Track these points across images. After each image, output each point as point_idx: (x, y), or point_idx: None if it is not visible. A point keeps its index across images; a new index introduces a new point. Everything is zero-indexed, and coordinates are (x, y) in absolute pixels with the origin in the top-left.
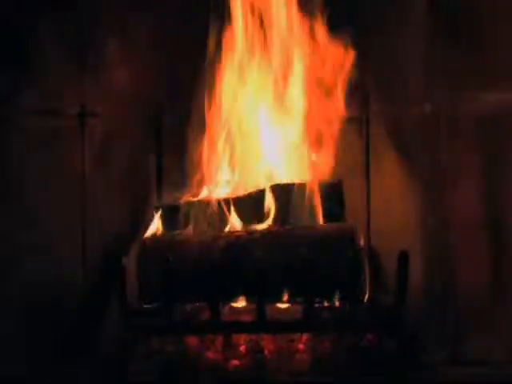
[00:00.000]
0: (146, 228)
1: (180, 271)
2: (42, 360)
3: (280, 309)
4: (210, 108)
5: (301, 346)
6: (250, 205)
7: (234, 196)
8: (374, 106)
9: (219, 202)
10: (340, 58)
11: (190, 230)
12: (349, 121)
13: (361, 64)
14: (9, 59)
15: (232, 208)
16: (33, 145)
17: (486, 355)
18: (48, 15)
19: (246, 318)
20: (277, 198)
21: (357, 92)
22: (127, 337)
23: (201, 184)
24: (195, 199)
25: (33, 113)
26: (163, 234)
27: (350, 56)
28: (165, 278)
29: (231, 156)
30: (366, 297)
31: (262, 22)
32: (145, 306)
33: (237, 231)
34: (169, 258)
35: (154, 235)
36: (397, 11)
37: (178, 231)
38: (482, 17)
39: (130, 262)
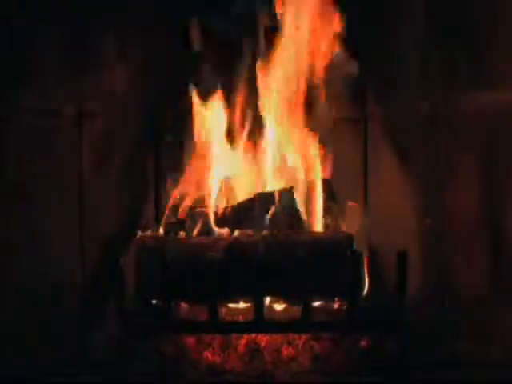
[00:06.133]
0: (144, 228)
1: (179, 271)
2: (41, 360)
3: (278, 309)
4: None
5: (300, 346)
6: (250, 209)
7: (233, 200)
8: (372, 106)
9: (219, 206)
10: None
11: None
12: (347, 121)
13: (360, 64)
14: (7, 59)
15: (232, 212)
16: (31, 144)
17: (485, 355)
18: (47, 15)
19: (244, 319)
20: (276, 203)
21: (355, 92)
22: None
23: (199, 185)
24: (194, 202)
25: (31, 113)
26: (162, 234)
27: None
28: (163, 278)
29: (230, 157)
30: (366, 297)
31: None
32: (143, 306)
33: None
34: (167, 257)
35: (153, 235)
36: (396, 11)
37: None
38: (480, 17)
39: (128, 261)
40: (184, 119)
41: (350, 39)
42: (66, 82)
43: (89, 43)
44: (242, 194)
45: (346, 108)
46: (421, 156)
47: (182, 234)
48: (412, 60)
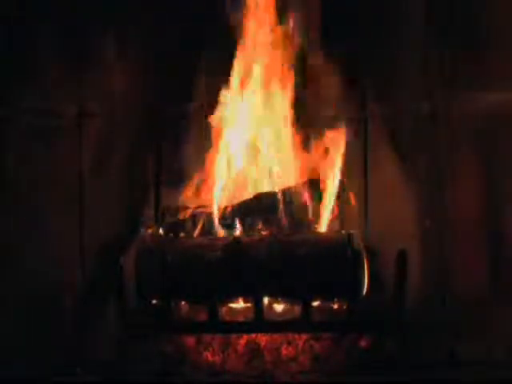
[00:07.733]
0: (145, 228)
1: (179, 271)
2: (42, 360)
3: (278, 309)
4: (209, 109)
5: (300, 346)
6: (251, 209)
7: (233, 200)
8: (372, 106)
9: (219, 206)
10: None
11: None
12: (347, 121)
13: (359, 64)
14: (7, 59)
15: (232, 212)
16: (31, 145)
17: (485, 355)
18: (47, 15)
19: (244, 318)
20: (276, 203)
21: (355, 92)
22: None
23: (199, 186)
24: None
25: (31, 113)
26: (163, 234)
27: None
28: (163, 278)
29: (230, 158)
30: (366, 297)
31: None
32: (143, 306)
33: (236, 234)
34: (167, 257)
35: (153, 235)
36: (396, 11)
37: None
38: (480, 17)
39: (128, 261)
40: (184, 119)
41: (349, 39)
42: (66, 82)
43: (89, 43)
44: (241, 194)
45: (346, 108)
46: (421, 156)
47: (182, 234)
48: (412, 60)
